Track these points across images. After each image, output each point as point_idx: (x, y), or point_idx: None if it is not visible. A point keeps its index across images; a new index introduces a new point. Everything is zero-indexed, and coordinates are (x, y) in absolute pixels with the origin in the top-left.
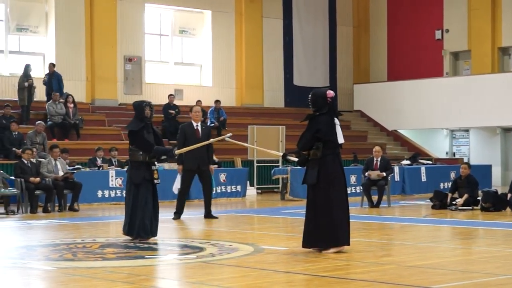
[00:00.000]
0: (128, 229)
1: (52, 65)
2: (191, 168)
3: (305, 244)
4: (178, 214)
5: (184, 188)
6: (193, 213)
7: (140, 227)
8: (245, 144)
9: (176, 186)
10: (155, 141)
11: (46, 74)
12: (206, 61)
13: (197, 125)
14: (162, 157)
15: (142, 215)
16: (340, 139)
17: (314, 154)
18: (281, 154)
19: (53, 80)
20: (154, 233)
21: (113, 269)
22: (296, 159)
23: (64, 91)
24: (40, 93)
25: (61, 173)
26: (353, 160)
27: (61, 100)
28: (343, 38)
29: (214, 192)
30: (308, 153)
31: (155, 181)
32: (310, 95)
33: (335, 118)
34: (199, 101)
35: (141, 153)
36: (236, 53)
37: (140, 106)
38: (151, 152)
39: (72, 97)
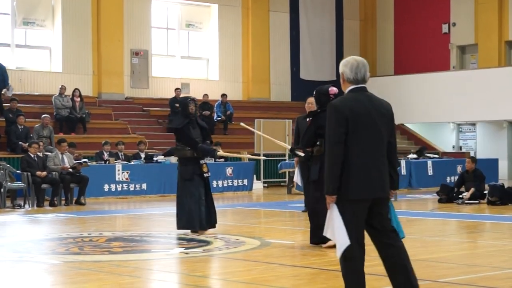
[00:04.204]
0: (187, 222)
1: None
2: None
3: (313, 241)
4: None
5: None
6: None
7: (196, 220)
8: (253, 129)
9: (298, 178)
10: (202, 135)
11: None
12: (213, 55)
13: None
14: (205, 156)
15: (198, 208)
16: None
17: (318, 151)
18: (289, 147)
19: None
20: (213, 224)
21: (119, 263)
22: (303, 155)
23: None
24: None
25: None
26: None
27: (7, 92)
28: (349, 32)
29: (220, 186)
30: (312, 149)
31: (205, 175)
32: (314, 93)
33: None
34: (205, 95)
35: (188, 148)
36: (242, 47)
37: (184, 103)
38: (196, 149)
39: (79, 90)
